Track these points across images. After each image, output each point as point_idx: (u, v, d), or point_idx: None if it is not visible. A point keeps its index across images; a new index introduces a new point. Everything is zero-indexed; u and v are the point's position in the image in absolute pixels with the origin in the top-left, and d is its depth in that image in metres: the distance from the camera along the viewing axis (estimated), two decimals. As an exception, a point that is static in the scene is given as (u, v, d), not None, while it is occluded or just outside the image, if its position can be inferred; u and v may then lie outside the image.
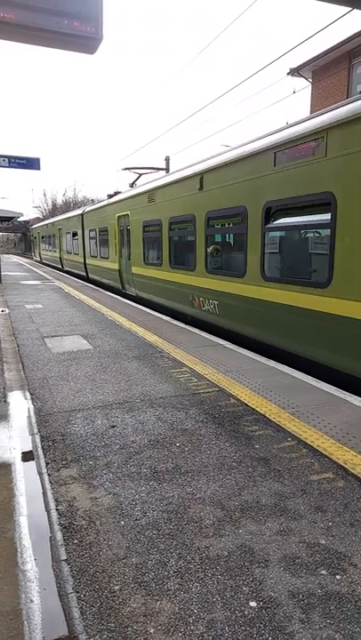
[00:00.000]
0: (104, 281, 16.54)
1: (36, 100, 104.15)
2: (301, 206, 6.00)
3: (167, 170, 25.48)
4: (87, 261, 19.22)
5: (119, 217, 13.80)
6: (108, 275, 15.82)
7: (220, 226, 8.48)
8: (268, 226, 6.60)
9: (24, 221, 57.98)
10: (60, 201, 63.01)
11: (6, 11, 3.67)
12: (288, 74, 17.25)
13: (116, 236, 14.20)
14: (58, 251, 26.88)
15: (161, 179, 11.09)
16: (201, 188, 8.37)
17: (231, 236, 8.44)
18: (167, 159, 27.42)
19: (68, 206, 55.89)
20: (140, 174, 14.97)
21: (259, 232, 6.70)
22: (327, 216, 5.46)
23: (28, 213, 59.55)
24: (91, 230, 18.02)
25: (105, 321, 9.52)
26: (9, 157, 14.18)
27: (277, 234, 6.79)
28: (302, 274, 6.26)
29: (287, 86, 17.41)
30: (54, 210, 59.98)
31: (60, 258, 26.30)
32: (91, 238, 18.17)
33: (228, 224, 8.24)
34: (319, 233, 6.02)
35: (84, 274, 20.30)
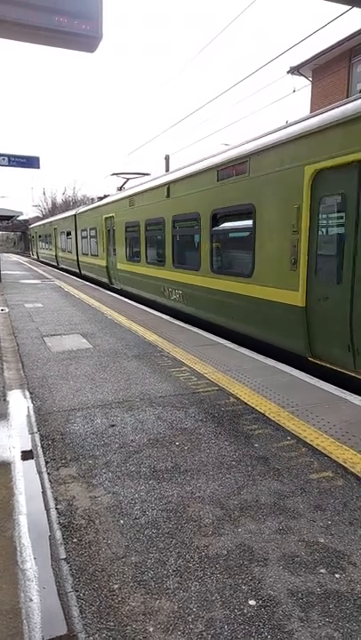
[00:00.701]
0: (94, 277, 17.85)
1: (36, 98, 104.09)
2: (235, 214, 7.65)
3: (167, 169, 25.50)
4: (80, 259, 20.57)
5: (106, 218, 15.31)
6: (97, 271, 17.26)
7: (182, 228, 9.84)
8: (215, 229, 8.25)
9: (24, 220, 57.89)
10: (59, 200, 63.02)
11: (6, 9, 3.66)
12: (288, 72, 17.23)
13: (104, 236, 15.73)
14: (54, 249, 28.36)
15: (139, 186, 12.75)
16: (168, 195, 9.96)
17: (190, 236, 9.68)
18: (167, 158, 27.42)
19: (67, 205, 55.84)
20: (127, 179, 16.10)
21: (208, 234, 8.38)
22: (250, 222, 7.00)
23: (27, 212, 59.50)
24: (82, 230, 19.45)
25: (104, 320, 9.52)
26: (8, 156, 14.15)
27: (220, 236, 8.33)
28: (236, 267, 7.78)
29: (287, 85, 17.40)
30: (54, 209, 59.96)
31: (56, 256, 27.65)
32: (83, 237, 19.54)
33: (188, 227, 9.58)
34: (246, 235, 7.39)
35: (77, 271, 21.50)
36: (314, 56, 16.15)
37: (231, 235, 8.20)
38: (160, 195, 10.46)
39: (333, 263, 5.56)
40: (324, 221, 5.78)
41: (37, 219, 54.89)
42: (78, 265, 21.15)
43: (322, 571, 2.35)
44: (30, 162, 14.51)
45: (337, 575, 2.32)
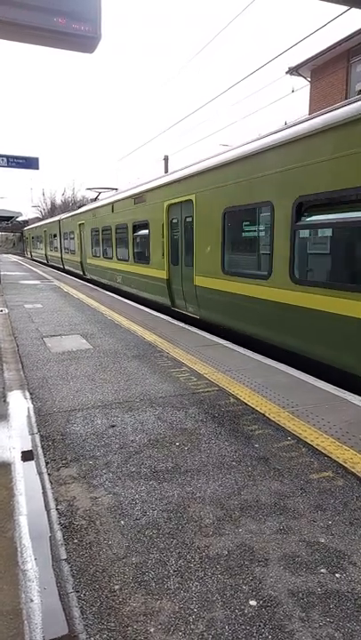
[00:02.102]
0: (74, 270, 22.45)
1: (35, 99, 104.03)
2: (142, 225, 12.12)
3: (166, 170, 25.62)
4: (63, 256, 25.31)
5: (79, 224, 20.12)
6: (75, 265, 21.93)
7: (120, 233, 14.18)
8: (134, 234, 12.87)
9: (23, 221, 57.86)
10: (58, 200, 62.96)
11: (4, 9, 3.66)
12: (287, 73, 17.24)
13: (78, 237, 20.63)
14: (44, 249, 33.10)
15: (96, 202, 18.33)
16: (113, 211, 14.84)
17: (124, 239, 13.82)
18: (166, 158, 27.45)
19: (66, 206, 55.82)
20: (100, 192, 20.18)
21: (131, 237, 13.08)
22: (147, 231, 11.68)
23: (26, 213, 59.36)
24: (64, 233, 24.36)
25: (104, 320, 9.52)
26: (7, 157, 14.15)
27: (137, 239, 12.83)
28: (144, 258, 12.19)
29: (286, 85, 17.44)
30: (53, 209, 59.90)
31: (46, 255, 32.50)
32: (64, 239, 24.52)
33: (123, 232, 13.90)
34: (146, 238, 11.90)
35: (61, 267, 25.89)
36: (312, 56, 16.16)
37: (140, 238, 12.57)
38: (109, 210, 15.22)
39: (175, 255, 10.20)
40: (172, 232, 10.34)
41: (37, 219, 54.84)
42: (62, 261, 25.71)
43: (322, 571, 2.35)
44: (29, 163, 14.50)
45: (338, 575, 2.32)
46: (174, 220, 10.06)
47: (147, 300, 12.09)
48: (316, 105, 16.47)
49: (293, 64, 16.94)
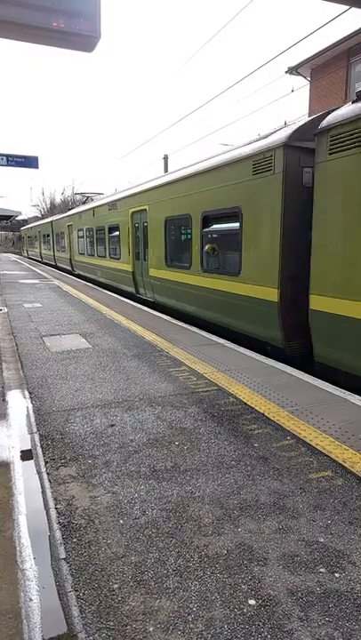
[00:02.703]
0: (64, 266, 25.06)
1: (35, 97, 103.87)
2: (115, 228, 14.50)
3: (165, 169, 25.63)
4: (55, 254, 27.94)
5: (68, 225, 22.63)
6: (65, 262, 24.39)
7: (99, 234, 16.69)
8: (109, 235, 15.26)
9: (22, 220, 57.83)
10: (58, 200, 62.91)
11: (3, 8, 3.66)
12: (286, 72, 17.23)
13: (67, 237, 23.04)
14: (39, 248, 35.79)
15: (79, 207, 21.83)
16: (94, 215, 17.20)
17: (102, 239, 16.34)
18: (165, 157, 27.43)
19: (66, 205, 55.82)
20: (87, 197, 23.32)
21: (107, 237, 15.51)
22: (118, 232, 14.07)
23: (26, 212, 59.43)
24: (56, 234, 26.88)
25: (104, 320, 9.52)
26: (7, 156, 14.14)
27: (112, 239, 15.14)
28: (114, 254, 14.84)
29: (286, 84, 17.44)
30: (53, 208, 59.88)
31: (40, 253, 35.36)
32: (56, 239, 27.19)
33: (101, 233, 16.42)
34: (117, 238, 14.38)
35: (54, 263, 28.62)
36: (312, 56, 16.15)
37: (113, 238, 14.94)
38: (91, 214, 17.79)
39: (137, 252, 12.61)
40: (135, 234, 12.71)
41: (36, 218, 54.83)
42: (54, 259, 28.47)
43: (322, 570, 2.35)
44: (29, 161, 14.50)
45: (337, 574, 2.32)
46: (136, 225, 12.68)
47: (119, 289, 14.86)
48: (316, 104, 16.47)
49: (293, 63, 16.94)
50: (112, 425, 4.16)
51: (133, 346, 7.17)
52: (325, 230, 5.55)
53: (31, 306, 11.52)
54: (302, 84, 17.52)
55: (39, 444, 3.76)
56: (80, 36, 3.97)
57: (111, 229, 14.95)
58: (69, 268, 23.26)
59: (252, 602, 2.14)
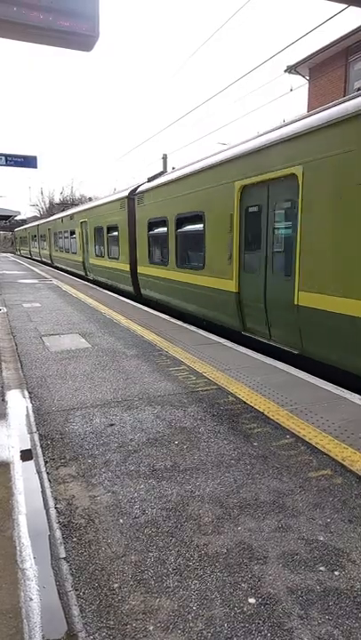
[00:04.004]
0: (46, 261, 31.74)
1: (34, 97, 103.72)
2: (72, 232, 21.28)
3: (165, 168, 25.68)
4: (40, 252, 34.79)
5: (48, 229, 29.68)
6: (47, 257, 31.33)
7: (66, 235, 22.64)
8: (71, 237, 21.59)
9: (21, 220, 57.74)
10: (57, 199, 62.79)
11: (3, 8, 3.66)
12: (285, 71, 17.23)
13: (48, 238, 29.72)
14: (28, 247, 43.44)
15: (58, 215, 27.19)
16: (71, 218, 21.36)
17: (67, 239, 22.29)
18: (165, 157, 27.43)
19: (65, 204, 55.82)
20: (68, 204, 32.47)
21: (69, 238, 22.06)
22: (75, 236, 20.74)
23: (25, 212, 59.32)
24: (41, 235, 33.60)
25: (103, 319, 9.52)
26: (6, 156, 14.13)
27: (72, 240, 21.54)
28: (73, 250, 21.72)
29: (285, 83, 17.45)
30: (51, 208, 59.77)
31: (30, 251, 42.40)
32: (40, 239, 34.20)
33: (67, 235, 22.58)
34: (74, 240, 21.19)
35: (46, 260, 32.75)
36: (311, 54, 16.15)
37: (73, 239, 20.51)
38: (60, 221, 24.56)
39: (84, 249, 19.11)
40: (82, 237, 19.18)
41: (35, 218, 54.77)
42: (40, 255, 35.12)
43: (321, 568, 2.36)
44: (28, 161, 14.49)
45: (336, 573, 2.33)
46: (83, 230, 19.16)
47: (73, 273, 21.94)
48: (315, 103, 16.46)
49: (292, 62, 16.93)
50: (111, 424, 4.16)
51: (133, 345, 7.17)
52: (140, 239, 12.24)
53: (30, 305, 11.51)
54: (301, 83, 17.52)
55: (39, 444, 3.76)
56: (79, 36, 3.97)
57: (72, 233, 21.44)
58: (49, 261, 30.25)
59: (252, 600, 2.15)
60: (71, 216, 21.43)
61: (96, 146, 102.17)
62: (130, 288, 13.33)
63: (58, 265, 26.83)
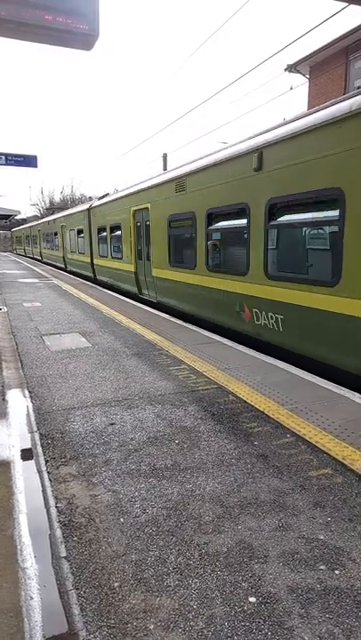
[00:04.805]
0: (37, 257, 36.98)
1: (34, 97, 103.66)
2: (55, 233, 27.81)
3: (165, 167, 25.68)
4: (33, 250, 40.30)
5: (38, 230, 35.11)
6: (37, 254, 36.56)
7: (51, 236, 29.12)
8: (54, 237, 28.16)
9: (22, 219, 57.74)
10: (57, 199, 62.78)
11: (2, 7, 3.65)
12: (286, 70, 17.21)
13: (38, 238, 35.38)
14: (23, 245, 49.37)
15: (44, 219, 34.91)
16: (48, 224, 30.33)
17: (51, 239, 29.35)
18: (165, 156, 27.42)
19: (65, 204, 55.80)
20: (54, 210, 38.85)
21: (53, 238, 28.83)
22: (57, 237, 27.20)
23: (25, 211, 59.31)
24: (33, 235, 38.95)
25: (103, 318, 9.52)
26: (6, 155, 14.13)
27: (54, 240, 28.29)
28: (54, 248, 28.61)
29: (285, 82, 17.45)
30: (52, 207, 59.76)
31: (24, 249, 48.35)
32: (32, 239, 39.89)
33: (51, 236, 29.10)
34: (56, 240, 27.47)
35: (38, 257, 37.11)
36: (311, 53, 16.13)
37: (55, 240, 27.38)
38: (46, 224, 31.00)
39: (63, 246, 25.14)
40: (63, 238, 25.08)
41: (35, 218, 54.81)
42: (32, 252, 40.67)
43: (322, 567, 2.36)
44: (28, 161, 14.49)
45: (337, 572, 2.33)
46: (64, 232, 24.09)
47: (56, 265, 27.29)
48: (315, 101, 16.43)
49: (292, 61, 16.91)
50: (112, 424, 4.16)
51: (133, 344, 7.17)
52: (96, 239, 17.32)
53: (31, 305, 11.51)
54: (301, 82, 17.51)
55: (39, 443, 3.76)
56: (78, 35, 3.97)
57: (55, 234, 27.02)
58: (39, 257, 35.97)
59: (252, 599, 2.15)
60: (54, 220, 27.55)
61: (96, 145, 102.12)
62: (91, 274, 19.07)
63: (46, 260, 32.86)
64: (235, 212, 7.59)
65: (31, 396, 4.87)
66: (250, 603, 2.13)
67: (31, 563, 2.39)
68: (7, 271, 23.69)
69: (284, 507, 2.88)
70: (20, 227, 52.75)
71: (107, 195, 17.78)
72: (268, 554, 2.46)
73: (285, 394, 4.85)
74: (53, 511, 2.83)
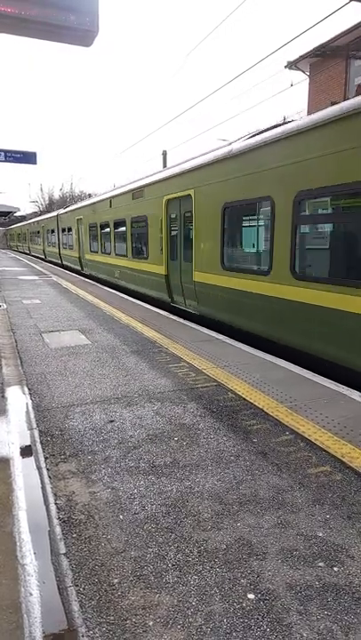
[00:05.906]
0: (26, 251, 42.47)
1: (33, 93, 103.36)
2: (38, 232, 36.55)
3: (164, 164, 25.60)
4: (23, 245, 45.63)
5: (27, 229, 42.37)
6: (40, 252, 36.04)
7: (37, 234, 36.66)
8: (37, 236, 36.79)
9: (21, 216, 57.64)
10: (56, 195, 62.65)
11: (2, 3, 3.64)
12: (286, 67, 17.16)
13: (27, 236, 41.97)
14: (15, 242, 54.45)
15: (31, 220, 43.35)
16: (32, 225, 39.49)
17: (36, 237, 37.15)
18: (164, 153, 27.36)
19: (64, 201, 55.75)
20: (42, 212, 51.18)
21: (37, 236, 36.62)
22: (40, 236, 35.36)
23: (25, 208, 59.18)
24: (24, 233, 43.87)
25: (103, 316, 9.51)
26: (5, 152, 14.08)
27: (37, 238, 36.85)
28: (38, 244, 36.97)
29: (285, 79, 17.41)
30: (51, 204, 59.65)
31: (17, 245, 52.86)
32: (24, 236, 45.20)
33: (37, 235, 36.49)
34: (40, 238, 35.46)
35: (22, 250, 44.53)
36: (311, 50, 16.08)
37: (38, 238, 35.54)
38: (31, 225, 39.41)
39: (46, 243, 32.49)
40: (45, 236, 33.45)
41: (34, 215, 54.75)
42: (23, 248, 46.37)
43: (320, 564, 2.37)
44: (27, 157, 14.44)
45: (335, 568, 2.33)
46: (45, 231, 30.80)
47: (39, 257, 32.90)
48: (315, 99, 16.41)
49: (292, 58, 16.86)
50: (111, 421, 4.17)
51: (133, 342, 7.17)
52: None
53: (30, 302, 11.50)
54: (302, 79, 17.47)
55: (39, 440, 3.77)
56: (78, 31, 3.96)
57: (38, 232, 33.47)
58: (28, 251, 41.35)
59: (251, 596, 2.16)
60: (38, 222, 34.51)
61: (96, 142, 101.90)
62: (59, 262, 24.62)
63: (33, 254, 38.47)
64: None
65: (30, 394, 4.87)
66: (248, 599, 2.14)
67: (30, 559, 2.39)
68: (7, 268, 23.66)
69: (282, 504, 2.88)
70: (14, 226, 58.23)
71: (70, 205, 23.11)
72: (267, 551, 2.47)
73: (285, 391, 4.86)
74: (53, 508, 2.84)
